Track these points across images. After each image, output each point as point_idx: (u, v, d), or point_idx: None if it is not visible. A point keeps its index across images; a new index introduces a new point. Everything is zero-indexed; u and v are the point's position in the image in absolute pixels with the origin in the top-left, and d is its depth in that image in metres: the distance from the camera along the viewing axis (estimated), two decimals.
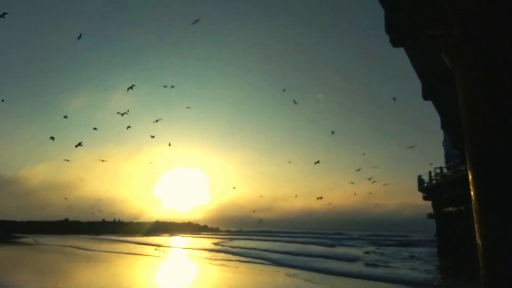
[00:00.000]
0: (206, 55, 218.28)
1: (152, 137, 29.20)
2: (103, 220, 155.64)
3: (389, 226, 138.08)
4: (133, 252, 36.65)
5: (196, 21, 29.88)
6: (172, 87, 40.37)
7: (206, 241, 61.63)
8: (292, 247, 40.84)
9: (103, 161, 51.01)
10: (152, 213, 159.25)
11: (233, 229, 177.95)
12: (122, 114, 24.49)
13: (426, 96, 6.45)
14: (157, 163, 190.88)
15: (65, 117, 24.30)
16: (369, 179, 30.55)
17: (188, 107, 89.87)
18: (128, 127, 30.96)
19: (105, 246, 49.18)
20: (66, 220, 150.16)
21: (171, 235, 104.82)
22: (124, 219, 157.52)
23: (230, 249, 38.11)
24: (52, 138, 29.92)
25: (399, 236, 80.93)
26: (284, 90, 67.76)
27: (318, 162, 36.96)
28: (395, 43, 4.00)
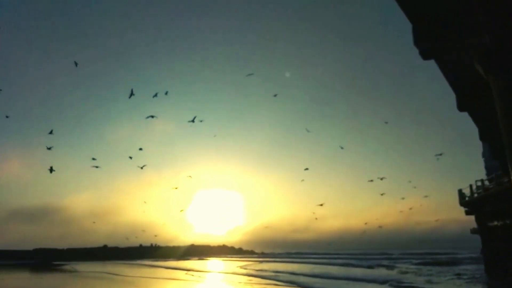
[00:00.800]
0: (242, 79, 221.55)
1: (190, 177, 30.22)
2: (141, 245, 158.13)
3: (433, 243, 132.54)
4: (165, 277, 36.89)
5: (250, 74, 31.52)
6: (200, 120, 36.28)
7: (238, 264, 61.14)
8: (325, 269, 39.83)
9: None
10: (187, 237, 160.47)
11: (268, 251, 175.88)
12: (152, 117, 25.01)
13: (461, 107, 6.29)
14: (194, 186, 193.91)
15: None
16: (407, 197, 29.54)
17: (215, 135, 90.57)
18: (143, 166, 31.74)
19: (139, 271, 49.70)
20: (105, 246, 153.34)
21: (205, 259, 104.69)
22: (161, 243, 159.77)
23: (260, 273, 37.57)
24: (95, 162, 31.19)
25: (444, 253, 77.45)
26: (275, 95, 67.90)
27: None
28: (425, 55, 3.98)
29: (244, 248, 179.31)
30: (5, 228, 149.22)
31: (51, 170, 26.49)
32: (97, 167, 31.26)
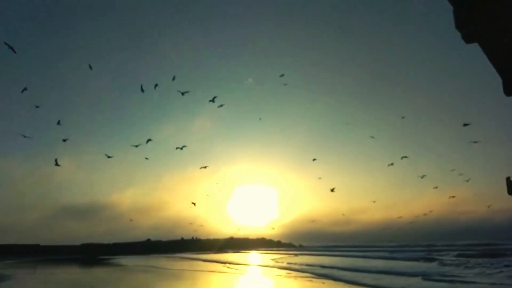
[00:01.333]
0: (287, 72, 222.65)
1: (204, 167, 31.44)
2: (182, 239, 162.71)
3: (479, 234, 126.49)
4: (202, 269, 37.68)
5: (282, 75, 31.71)
6: (220, 105, 34.45)
7: (275, 258, 61.30)
8: (361, 262, 39.05)
9: (205, 167, 52.15)
10: (227, 230, 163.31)
11: (307, 244, 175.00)
12: (183, 93, 24.89)
13: (508, 91, 5.96)
14: (235, 181, 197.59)
15: (149, 140, 25.78)
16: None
17: (260, 118, 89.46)
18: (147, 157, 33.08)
19: (179, 264, 51.31)
20: (148, 240, 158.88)
21: (243, 252, 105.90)
22: (201, 236, 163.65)
23: (295, 266, 37.37)
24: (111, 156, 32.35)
25: (491, 244, 74.03)
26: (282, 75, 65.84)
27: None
28: (468, 39, 3.88)
29: (283, 241, 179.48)
30: (56, 224, 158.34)
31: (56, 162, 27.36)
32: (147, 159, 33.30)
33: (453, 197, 44.97)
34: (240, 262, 51.67)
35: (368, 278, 23.12)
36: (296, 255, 68.24)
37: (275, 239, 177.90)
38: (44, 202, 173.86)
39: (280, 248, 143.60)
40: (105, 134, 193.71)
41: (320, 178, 67.23)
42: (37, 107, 27.58)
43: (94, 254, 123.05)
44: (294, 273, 29.83)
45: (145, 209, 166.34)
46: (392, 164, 34.83)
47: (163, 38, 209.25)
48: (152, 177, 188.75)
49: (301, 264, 37.64)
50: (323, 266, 33.22)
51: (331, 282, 22.56)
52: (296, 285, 24.18)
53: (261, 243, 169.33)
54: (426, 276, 23.99)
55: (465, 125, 21.75)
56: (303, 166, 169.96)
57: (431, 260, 42.19)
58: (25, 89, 21.83)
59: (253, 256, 69.31)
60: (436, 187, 45.63)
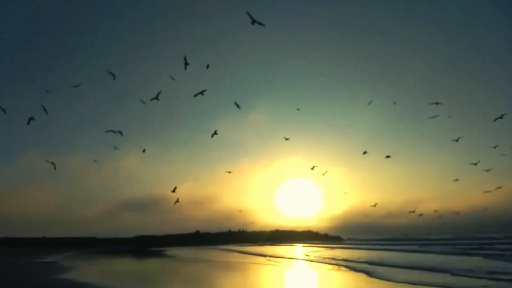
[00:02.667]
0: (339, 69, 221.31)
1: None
2: (229, 231, 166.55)
3: None
4: (241, 261, 38.64)
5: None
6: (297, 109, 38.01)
7: (317, 250, 61.15)
8: (405, 257, 37.90)
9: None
10: (273, 222, 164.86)
11: (357, 237, 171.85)
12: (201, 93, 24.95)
13: None
14: (285, 174, 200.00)
15: (215, 133, 26.66)
16: None
17: (298, 109, 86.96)
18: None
19: (218, 255, 53.26)
20: (197, 232, 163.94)
21: (288, 244, 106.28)
22: (248, 228, 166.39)
23: (333, 261, 36.98)
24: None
25: None
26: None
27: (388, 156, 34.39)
28: None
29: (330, 233, 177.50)
30: (115, 217, 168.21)
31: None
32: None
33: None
34: (279, 255, 52.20)
35: (400, 274, 22.54)
36: (340, 248, 67.67)
37: (322, 232, 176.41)
38: (107, 197, 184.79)
39: (328, 241, 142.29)
40: (164, 130, 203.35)
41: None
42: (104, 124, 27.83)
43: (145, 246, 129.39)
44: (326, 267, 29.74)
45: (198, 202, 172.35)
46: (458, 139, 32.29)
47: (225, 36, 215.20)
48: (206, 171, 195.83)
49: (348, 260, 37.03)
50: (368, 262, 32.23)
51: (365, 277, 22.34)
52: (322, 279, 24.30)
53: (307, 235, 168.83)
54: (469, 272, 22.66)
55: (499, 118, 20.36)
56: (354, 159, 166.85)
57: (488, 256, 39.34)
58: (31, 118, 23.24)
59: (295, 249, 69.63)
60: (488, 170, 41.02)
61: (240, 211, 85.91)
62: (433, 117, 30.33)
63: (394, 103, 51.45)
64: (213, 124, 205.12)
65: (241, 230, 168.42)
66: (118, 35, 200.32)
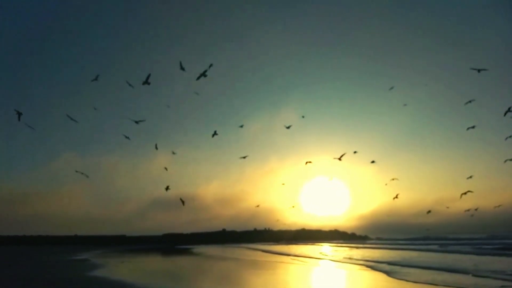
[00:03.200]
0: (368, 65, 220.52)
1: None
2: (255, 229, 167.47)
3: None
4: (267, 260, 38.97)
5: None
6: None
7: (341, 250, 60.84)
8: (428, 257, 37.37)
9: (283, 184, 52.99)
10: (300, 221, 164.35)
11: (385, 236, 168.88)
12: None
13: None
14: (312, 174, 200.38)
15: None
16: None
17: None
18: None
19: (244, 254, 53.83)
20: (223, 230, 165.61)
21: (313, 244, 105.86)
22: (273, 227, 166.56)
23: (353, 260, 36.88)
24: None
25: None
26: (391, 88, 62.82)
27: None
28: None
29: (358, 233, 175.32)
30: (146, 215, 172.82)
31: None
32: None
33: None
34: (298, 253, 52.33)
35: (420, 275, 22.40)
36: (364, 248, 67.05)
37: (349, 231, 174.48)
38: (139, 195, 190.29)
39: (355, 241, 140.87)
40: (194, 130, 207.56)
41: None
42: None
43: (173, 244, 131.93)
44: (346, 266, 29.84)
45: (225, 200, 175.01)
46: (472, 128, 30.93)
47: (259, 32, 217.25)
48: (235, 169, 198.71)
49: (356, 258, 36.92)
50: (390, 263, 31.69)
51: (384, 277, 22.42)
52: (339, 278, 24.51)
53: (334, 235, 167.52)
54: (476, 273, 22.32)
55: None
56: (385, 157, 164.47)
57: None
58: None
59: (317, 248, 69.48)
60: None
61: (257, 206, 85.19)
62: (469, 101, 28.60)
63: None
64: (242, 122, 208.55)
65: (266, 228, 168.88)
66: (148, 34, 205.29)
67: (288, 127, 33.12)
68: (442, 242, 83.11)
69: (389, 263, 31.37)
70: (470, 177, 32.24)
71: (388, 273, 24.14)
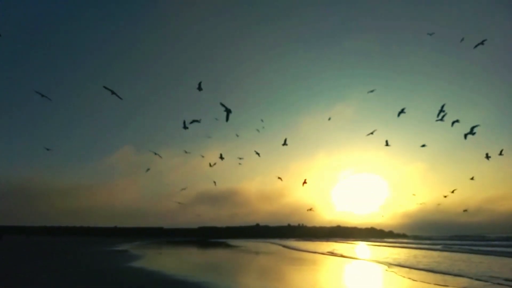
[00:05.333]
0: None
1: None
2: (289, 225, 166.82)
3: None
4: (305, 258, 38.21)
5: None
6: None
7: (374, 249, 58.94)
8: (458, 258, 35.16)
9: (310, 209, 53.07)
10: (334, 218, 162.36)
11: (425, 235, 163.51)
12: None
13: None
14: (347, 171, 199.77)
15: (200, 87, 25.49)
16: None
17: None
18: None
19: (268, 248, 53.44)
20: (257, 225, 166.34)
21: (350, 241, 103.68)
22: (308, 223, 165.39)
23: (385, 260, 35.24)
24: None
25: None
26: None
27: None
28: None
29: (395, 231, 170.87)
30: (188, 208, 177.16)
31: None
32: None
33: None
34: (348, 254, 51.01)
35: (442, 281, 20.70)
36: (401, 247, 64.64)
37: (387, 229, 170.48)
38: (187, 189, 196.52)
39: (391, 239, 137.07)
40: (248, 127, 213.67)
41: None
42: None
43: (207, 237, 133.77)
44: (373, 266, 28.54)
45: (265, 196, 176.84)
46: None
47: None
48: (275, 166, 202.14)
49: (383, 259, 35.14)
50: (409, 267, 29.75)
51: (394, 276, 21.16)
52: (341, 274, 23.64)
53: (370, 232, 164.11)
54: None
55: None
56: (417, 152, 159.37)
57: None
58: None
59: (354, 247, 67.78)
60: None
61: (310, 209, 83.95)
62: None
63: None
64: (295, 120, 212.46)
65: (300, 224, 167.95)
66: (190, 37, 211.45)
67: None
68: (475, 242, 79.18)
69: (389, 263, 29.91)
70: None
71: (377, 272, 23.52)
